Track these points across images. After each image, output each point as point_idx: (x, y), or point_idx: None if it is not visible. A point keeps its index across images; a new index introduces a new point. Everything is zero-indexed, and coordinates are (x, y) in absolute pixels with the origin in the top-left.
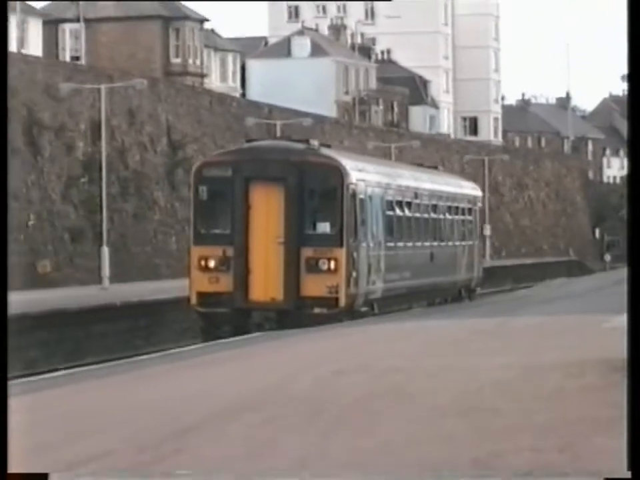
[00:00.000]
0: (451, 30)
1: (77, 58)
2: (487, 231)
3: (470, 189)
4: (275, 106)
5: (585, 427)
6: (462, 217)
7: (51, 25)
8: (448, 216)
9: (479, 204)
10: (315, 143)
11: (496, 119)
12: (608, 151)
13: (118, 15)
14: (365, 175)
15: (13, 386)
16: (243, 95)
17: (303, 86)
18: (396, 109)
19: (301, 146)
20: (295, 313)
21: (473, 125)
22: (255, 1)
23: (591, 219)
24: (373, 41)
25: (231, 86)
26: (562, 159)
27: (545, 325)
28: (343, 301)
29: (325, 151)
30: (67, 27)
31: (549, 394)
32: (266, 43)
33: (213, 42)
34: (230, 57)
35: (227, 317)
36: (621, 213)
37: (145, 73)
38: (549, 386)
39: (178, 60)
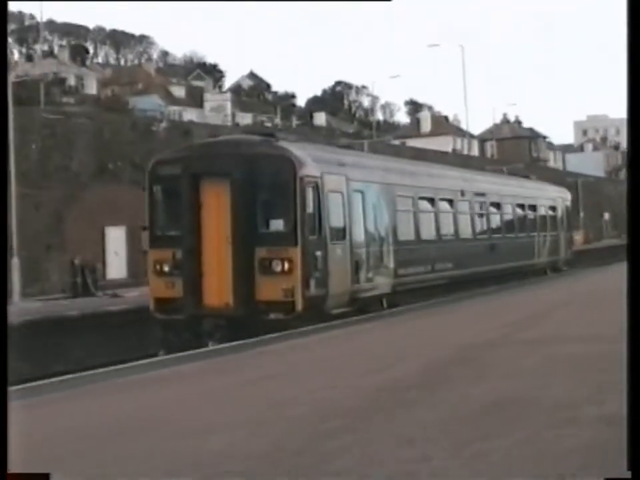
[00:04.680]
0: None
1: (493, 156)
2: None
3: (554, 192)
4: (578, 173)
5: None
6: (543, 214)
7: (482, 142)
8: (520, 212)
9: (567, 203)
10: (281, 135)
11: None
12: None
13: (507, 136)
14: (346, 169)
15: None
16: (564, 168)
17: (587, 163)
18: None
19: (255, 138)
20: (248, 320)
21: None
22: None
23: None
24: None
25: (558, 165)
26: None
27: (621, 269)
28: (300, 305)
29: (281, 142)
30: (488, 143)
31: (610, 302)
32: (572, 147)
33: (551, 146)
34: (558, 153)
35: (182, 324)
36: None
37: (522, 160)
38: (611, 299)
39: (535, 154)
